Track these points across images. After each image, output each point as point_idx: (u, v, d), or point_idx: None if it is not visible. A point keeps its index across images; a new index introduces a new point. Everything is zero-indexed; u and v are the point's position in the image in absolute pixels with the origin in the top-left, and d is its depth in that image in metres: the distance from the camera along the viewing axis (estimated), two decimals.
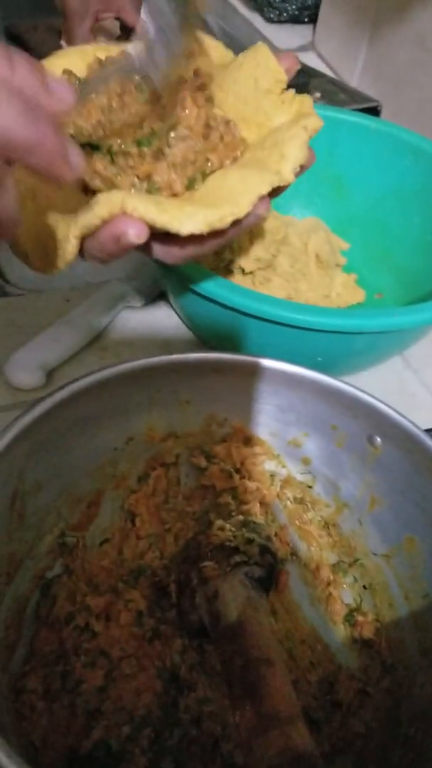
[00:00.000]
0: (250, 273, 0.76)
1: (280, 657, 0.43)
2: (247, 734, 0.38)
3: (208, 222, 0.45)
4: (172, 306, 0.83)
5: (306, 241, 0.82)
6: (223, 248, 0.77)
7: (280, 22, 1.46)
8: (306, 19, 1.45)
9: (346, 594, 0.58)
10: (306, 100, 0.54)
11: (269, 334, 0.64)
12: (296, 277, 0.78)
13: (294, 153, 0.50)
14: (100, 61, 0.52)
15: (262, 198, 0.48)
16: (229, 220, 0.46)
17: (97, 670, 0.49)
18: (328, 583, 0.58)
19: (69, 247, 0.45)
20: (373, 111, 1.13)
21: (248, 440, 0.60)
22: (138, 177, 0.48)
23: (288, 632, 0.56)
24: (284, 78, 0.54)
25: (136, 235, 0.44)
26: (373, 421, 0.53)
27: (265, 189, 0.48)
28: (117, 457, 0.57)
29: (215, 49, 0.58)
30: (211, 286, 0.63)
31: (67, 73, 0.50)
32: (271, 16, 1.45)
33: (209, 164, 0.50)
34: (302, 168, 0.51)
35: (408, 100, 1.12)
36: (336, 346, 0.66)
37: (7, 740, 0.33)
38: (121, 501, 0.58)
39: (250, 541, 0.53)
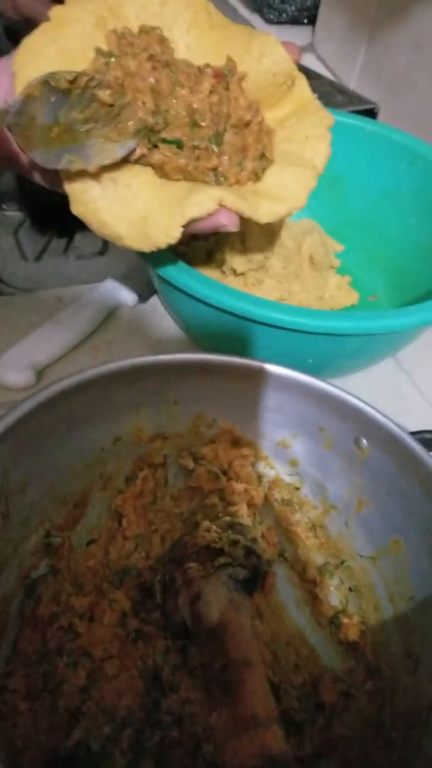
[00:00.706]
0: (242, 274, 0.76)
1: (260, 659, 0.43)
2: (222, 735, 0.38)
3: (279, 215, 0.56)
4: (164, 307, 0.83)
5: (300, 242, 0.82)
6: (216, 249, 0.77)
7: (279, 23, 1.46)
8: (305, 21, 1.46)
9: (332, 596, 0.58)
10: (303, 81, 0.60)
11: (260, 336, 0.64)
12: (289, 279, 0.78)
13: (324, 150, 0.60)
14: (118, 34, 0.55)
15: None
16: (293, 212, 0.57)
17: (80, 671, 0.49)
18: (315, 585, 0.58)
19: (175, 233, 0.52)
20: (371, 113, 1.13)
21: (236, 441, 0.60)
22: (208, 168, 0.56)
23: (273, 634, 0.56)
24: (296, 74, 0.59)
25: (233, 225, 0.53)
26: (360, 424, 0.53)
27: (314, 183, 0.58)
28: (104, 457, 0.57)
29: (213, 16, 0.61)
30: (202, 288, 0.62)
31: (99, 52, 0.54)
32: (271, 17, 1.45)
33: (256, 150, 0.57)
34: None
35: (406, 102, 1.12)
36: (327, 348, 0.66)
37: None
38: (108, 501, 0.58)
39: (235, 543, 0.53)
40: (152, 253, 0.63)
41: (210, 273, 0.77)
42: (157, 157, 0.54)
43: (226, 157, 0.56)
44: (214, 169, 0.56)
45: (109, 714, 0.47)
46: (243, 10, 1.50)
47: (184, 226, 0.52)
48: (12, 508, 0.49)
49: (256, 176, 0.57)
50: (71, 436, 0.53)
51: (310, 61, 1.35)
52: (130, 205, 0.53)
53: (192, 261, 0.78)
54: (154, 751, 0.46)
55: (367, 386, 0.78)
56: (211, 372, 0.55)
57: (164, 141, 0.54)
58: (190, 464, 0.59)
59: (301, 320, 0.60)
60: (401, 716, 0.48)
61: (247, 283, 0.76)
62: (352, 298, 0.87)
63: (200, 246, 0.79)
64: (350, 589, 0.57)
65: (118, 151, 0.51)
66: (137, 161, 0.54)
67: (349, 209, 0.92)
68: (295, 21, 1.45)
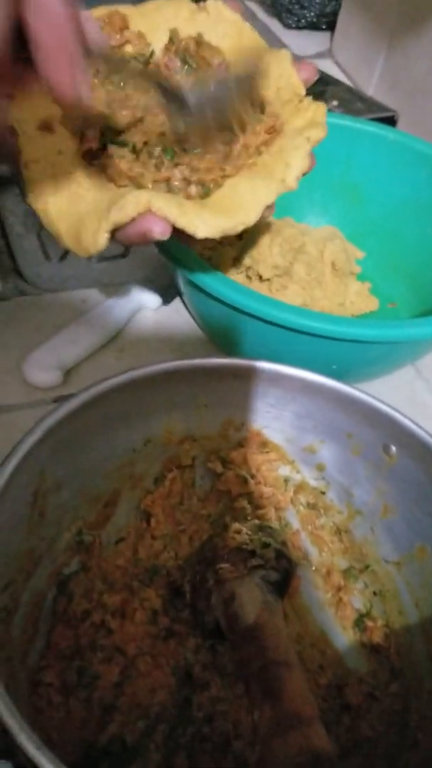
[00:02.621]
0: (267, 280, 0.77)
1: (297, 660, 0.44)
2: (266, 733, 0.39)
3: (222, 229, 0.50)
4: (188, 309, 0.84)
5: (322, 249, 0.83)
6: (242, 254, 0.78)
7: (298, 28, 1.47)
8: (324, 26, 1.46)
9: (356, 599, 0.59)
10: (320, 109, 0.56)
11: (286, 341, 0.65)
12: (312, 285, 0.79)
13: (298, 163, 0.53)
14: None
15: (268, 207, 0.52)
16: (240, 228, 0.51)
17: (113, 667, 0.50)
18: (339, 589, 0.59)
19: (100, 240, 0.49)
20: (390, 120, 1.14)
21: (264, 445, 0.61)
22: (158, 179, 0.52)
23: (298, 636, 0.57)
24: (303, 93, 0.57)
25: (160, 232, 0.49)
26: (390, 431, 0.54)
27: (272, 199, 0.52)
28: (135, 458, 0.58)
29: (247, 34, 0.60)
30: (228, 292, 0.63)
31: (140, 35, 0.55)
32: (290, 22, 1.46)
33: (224, 173, 0.53)
34: (303, 174, 0.55)
35: (425, 111, 1.13)
36: (352, 354, 0.67)
37: (35, 735, 0.34)
38: (137, 501, 0.59)
39: (266, 546, 0.54)
40: (180, 256, 0.65)
41: (235, 278, 0.78)
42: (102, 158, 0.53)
43: (178, 171, 0.53)
44: (167, 180, 0.53)
45: (143, 709, 0.48)
46: (262, 15, 1.50)
47: (114, 233, 0.50)
48: (47, 506, 0.50)
49: (206, 190, 0.53)
50: (105, 438, 0.54)
51: (329, 67, 1.36)
52: (75, 205, 0.51)
53: (218, 266, 0.79)
54: (187, 747, 0.47)
55: (386, 393, 0.78)
56: (242, 377, 0.56)
57: (113, 142, 0.52)
58: (219, 468, 0.60)
59: (330, 327, 0.61)
60: (426, 718, 0.50)
61: (271, 289, 0.77)
62: (372, 304, 0.88)
63: (227, 251, 0.80)
64: (374, 594, 0.58)
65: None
66: (90, 159, 0.53)
67: (369, 216, 0.93)
68: (314, 26, 1.46)
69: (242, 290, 0.64)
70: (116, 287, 0.84)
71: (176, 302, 0.86)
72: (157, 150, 0.53)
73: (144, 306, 0.83)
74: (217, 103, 0.50)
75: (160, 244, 0.66)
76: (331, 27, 1.44)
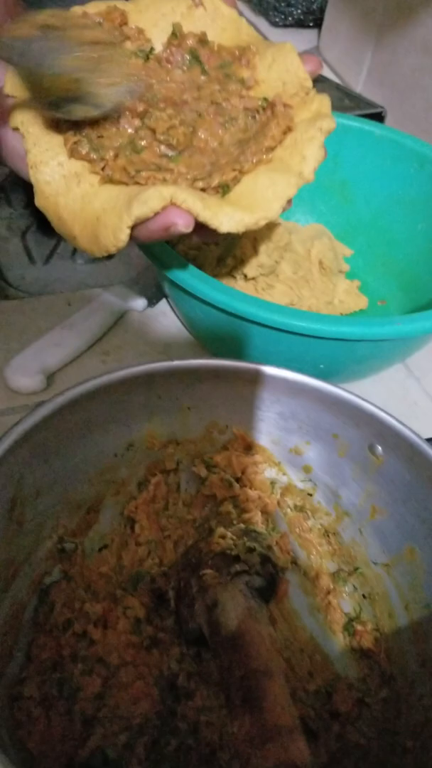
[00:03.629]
0: (253, 279, 0.76)
1: (279, 668, 0.43)
2: (244, 745, 0.38)
3: (245, 224, 0.50)
4: (173, 311, 0.83)
5: (309, 247, 0.82)
6: (227, 254, 0.77)
7: (285, 26, 1.46)
8: (311, 24, 1.46)
9: (345, 603, 0.58)
10: (325, 100, 0.56)
11: (272, 341, 0.64)
12: (299, 284, 0.78)
13: (313, 154, 0.53)
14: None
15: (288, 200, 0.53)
16: (262, 223, 0.51)
17: (95, 678, 0.49)
18: (328, 592, 0.58)
19: (122, 236, 0.49)
20: (378, 117, 1.13)
21: (249, 447, 0.59)
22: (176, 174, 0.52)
23: (287, 641, 0.55)
24: (310, 85, 0.56)
25: (184, 225, 0.49)
26: (375, 430, 0.53)
27: (293, 192, 0.52)
28: (117, 463, 0.57)
29: (244, 30, 0.60)
30: (213, 292, 0.62)
31: (140, 31, 0.55)
32: (277, 20, 1.45)
33: (241, 169, 0.53)
34: (318, 165, 0.55)
35: (413, 107, 1.12)
36: (339, 353, 0.66)
37: (5, 750, 0.33)
38: (120, 507, 0.58)
39: (251, 550, 0.53)
40: (162, 256, 0.64)
41: (220, 278, 0.77)
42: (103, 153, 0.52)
43: (182, 174, 0.52)
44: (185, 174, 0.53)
45: (125, 721, 0.47)
46: (248, 13, 1.50)
47: (134, 228, 0.49)
48: (26, 514, 0.49)
49: (225, 189, 0.53)
50: (85, 442, 0.53)
51: None
52: (88, 204, 0.51)
53: (203, 266, 0.78)
54: (171, 759, 0.46)
55: (376, 392, 0.78)
56: (225, 378, 0.55)
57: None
58: (203, 472, 0.59)
59: (315, 326, 0.60)
60: (417, 724, 0.48)
61: (257, 288, 0.76)
62: (361, 302, 0.87)
63: (211, 251, 0.79)
64: (364, 597, 0.57)
65: (122, 95, 0.51)
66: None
67: (358, 214, 0.92)
68: (301, 24, 1.46)
69: (227, 291, 0.62)
70: (102, 290, 0.83)
71: (162, 304, 0.85)
72: (162, 148, 0.53)
73: (130, 308, 0.82)
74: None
75: (144, 246, 0.65)
76: (318, 24, 1.43)
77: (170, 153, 0.53)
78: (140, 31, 0.57)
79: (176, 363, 0.53)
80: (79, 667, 0.49)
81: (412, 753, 0.47)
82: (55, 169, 0.52)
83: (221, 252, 0.79)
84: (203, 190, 0.52)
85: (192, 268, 0.64)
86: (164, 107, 0.54)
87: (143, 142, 0.53)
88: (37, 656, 0.49)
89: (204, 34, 0.57)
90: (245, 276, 0.76)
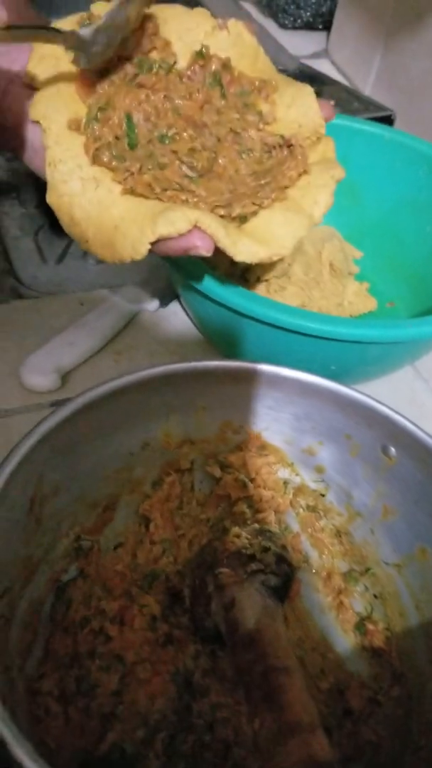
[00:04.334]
0: (265, 281, 0.77)
1: (298, 666, 0.44)
2: (267, 742, 0.38)
3: (259, 257, 0.52)
4: (185, 311, 0.84)
5: (320, 249, 0.82)
6: None
7: (294, 28, 1.46)
8: (320, 26, 1.46)
9: (356, 603, 0.58)
10: (330, 144, 0.59)
11: (284, 342, 0.65)
12: (310, 285, 0.79)
13: (325, 200, 0.57)
14: None
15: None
16: (275, 259, 0.54)
17: (112, 674, 0.49)
18: (339, 592, 0.59)
19: (142, 249, 0.50)
20: (387, 120, 1.13)
21: (262, 448, 0.60)
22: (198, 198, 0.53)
23: (299, 640, 0.56)
24: (324, 132, 0.59)
25: (206, 249, 0.50)
26: (388, 432, 0.54)
27: (304, 233, 0.55)
28: (133, 462, 0.57)
29: (261, 59, 0.61)
30: (226, 293, 0.63)
31: (167, 44, 0.57)
32: (286, 22, 1.45)
33: (260, 204, 0.55)
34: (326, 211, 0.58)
35: (422, 110, 1.12)
36: (351, 355, 0.67)
37: (30, 744, 0.33)
38: (135, 506, 0.59)
39: (266, 550, 0.53)
40: (175, 257, 0.64)
41: (233, 280, 0.77)
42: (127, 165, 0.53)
43: (202, 197, 0.53)
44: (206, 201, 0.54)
45: (142, 717, 0.47)
46: (257, 16, 1.50)
47: (154, 244, 0.50)
48: (45, 512, 0.50)
49: (243, 220, 0.54)
50: (103, 442, 0.53)
51: (325, 67, 1.36)
52: (105, 210, 0.52)
53: (215, 267, 0.78)
54: (187, 755, 0.47)
55: (385, 393, 0.78)
56: (240, 379, 0.56)
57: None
58: (217, 472, 0.60)
59: (329, 328, 0.61)
60: (428, 722, 0.49)
61: (269, 290, 0.77)
62: (370, 304, 0.87)
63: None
64: (375, 596, 0.58)
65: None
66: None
67: (367, 216, 0.93)
68: (309, 26, 1.46)
69: (240, 292, 0.63)
70: (113, 289, 0.84)
71: (174, 304, 0.85)
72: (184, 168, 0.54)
73: (141, 308, 0.83)
74: (107, 33, 0.51)
75: None
76: (327, 27, 1.43)
77: (192, 174, 0.54)
78: (167, 44, 0.57)
79: (194, 364, 0.54)
80: (96, 664, 0.50)
81: (424, 750, 0.48)
82: (73, 170, 0.52)
83: None
84: (222, 217, 0.53)
85: (206, 269, 0.65)
86: (185, 126, 0.55)
87: (165, 159, 0.53)
88: (55, 652, 0.50)
89: (228, 60, 0.58)
90: (258, 278, 0.77)
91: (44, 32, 0.49)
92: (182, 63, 0.59)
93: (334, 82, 1.21)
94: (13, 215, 0.96)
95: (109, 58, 0.53)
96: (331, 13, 1.40)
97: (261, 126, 0.58)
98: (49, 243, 0.93)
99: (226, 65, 0.58)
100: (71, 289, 0.86)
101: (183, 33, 0.58)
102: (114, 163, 0.52)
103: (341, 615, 0.58)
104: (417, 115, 1.13)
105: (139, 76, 0.55)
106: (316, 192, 0.56)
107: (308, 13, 1.44)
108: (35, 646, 0.50)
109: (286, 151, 0.57)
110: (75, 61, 0.51)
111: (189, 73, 0.58)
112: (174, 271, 0.66)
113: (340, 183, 0.91)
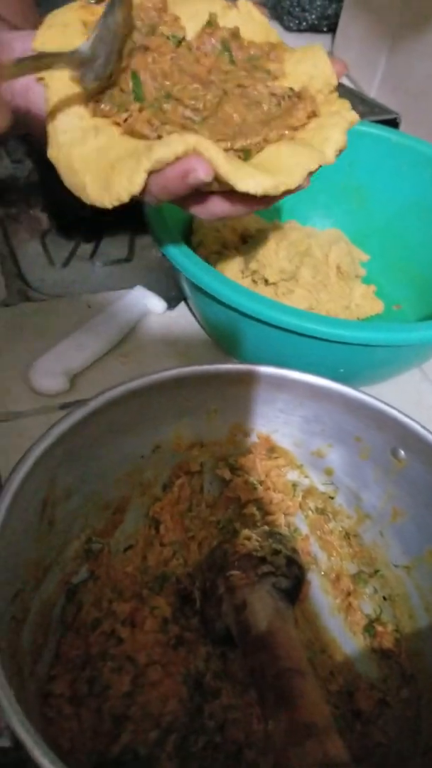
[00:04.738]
0: (274, 284, 0.77)
1: (310, 668, 0.44)
2: (282, 743, 0.39)
3: (264, 186, 0.49)
4: (193, 313, 0.84)
5: (327, 252, 0.82)
6: (248, 259, 0.78)
7: (299, 30, 1.46)
8: (325, 29, 1.46)
9: (365, 604, 0.59)
10: (345, 103, 0.57)
11: (292, 345, 0.65)
12: (317, 288, 0.79)
13: (336, 137, 0.53)
14: None
15: (309, 173, 0.52)
16: (282, 189, 0.50)
17: (124, 676, 0.50)
18: (348, 594, 0.59)
19: (137, 179, 0.48)
20: (393, 123, 1.14)
21: (272, 450, 0.60)
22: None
23: (308, 641, 0.56)
24: (335, 82, 0.57)
25: (204, 173, 0.47)
26: (399, 434, 0.54)
27: (314, 166, 0.51)
28: (143, 465, 0.57)
29: (273, 37, 0.60)
30: (235, 296, 0.63)
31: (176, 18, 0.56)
32: (291, 24, 1.46)
33: (265, 138, 0.53)
34: (339, 152, 0.55)
35: (427, 112, 1.12)
36: (359, 357, 0.67)
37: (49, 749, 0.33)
38: (145, 508, 0.59)
39: (276, 552, 0.53)
40: (184, 259, 0.64)
41: (241, 282, 0.78)
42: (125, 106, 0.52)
43: (205, 134, 0.51)
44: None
45: (154, 719, 0.48)
46: None
47: (150, 178, 0.48)
48: (57, 514, 0.50)
49: (247, 154, 0.52)
50: (114, 444, 0.54)
51: None
52: (104, 154, 0.50)
53: (224, 270, 0.79)
54: (199, 756, 0.47)
55: (392, 396, 0.78)
56: (251, 382, 0.56)
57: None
58: (227, 475, 0.60)
59: (338, 331, 0.61)
60: None
61: (278, 293, 0.77)
62: (377, 307, 0.88)
63: (232, 255, 0.80)
64: (384, 598, 0.58)
65: None
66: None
67: (373, 219, 0.93)
68: (315, 29, 1.46)
69: (249, 294, 0.63)
70: (121, 292, 0.84)
71: (181, 306, 0.86)
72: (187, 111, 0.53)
73: (149, 310, 0.83)
74: (105, 42, 0.50)
75: (166, 248, 0.66)
76: (332, 29, 1.44)
77: (195, 117, 0.53)
78: (176, 19, 0.57)
79: (206, 367, 0.54)
80: (108, 666, 0.50)
81: None
82: (73, 120, 0.51)
83: (242, 257, 0.79)
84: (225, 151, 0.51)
85: (214, 271, 0.65)
86: (191, 81, 0.54)
87: (168, 106, 0.53)
88: (66, 654, 0.51)
89: (237, 29, 0.57)
90: (266, 281, 0.77)
91: (48, 59, 0.49)
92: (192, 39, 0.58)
93: (339, 85, 1.21)
94: (20, 218, 0.96)
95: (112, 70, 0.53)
96: (336, 16, 1.40)
97: (269, 83, 0.57)
98: (56, 246, 0.93)
99: (234, 34, 0.57)
100: (78, 291, 0.86)
101: (192, 15, 0.58)
102: (114, 111, 0.52)
103: (350, 617, 0.58)
104: (422, 118, 1.13)
105: (145, 39, 0.55)
106: (326, 130, 0.53)
107: (313, 16, 1.44)
108: (46, 648, 0.50)
109: (295, 99, 0.55)
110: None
111: (198, 43, 0.57)
112: (182, 274, 0.67)
113: (347, 185, 0.93)
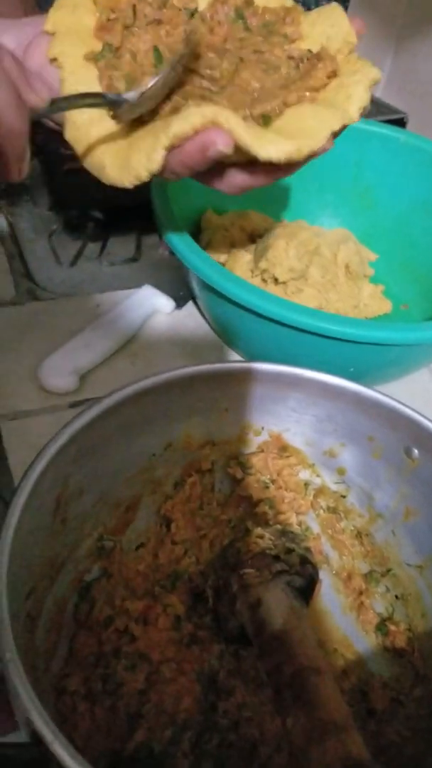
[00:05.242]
0: (283, 283, 0.77)
1: (327, 666, 0.44)
2: (302, 741, 0.39)
3: (286, 151, 0.47)
4: (201, 312, 0.84)
5: (336, 251, 0.82)
6: (258, 258, 0.78)
7: None
8: None
9: (377, 603, 0.58)
10: (367, 62, 0.54)
11: (303, 344, 0.65)
12: (326, 288, 0.79)
13: (360, 95, 0.51)
14: None
15: (333, 134, 0.50)
16: (305, 152, 0.48)
17: (138, 673, 0.50)
18: (360, 593, 0.59)
19: (156, 157, 0.47)
20: (399, 122, 1.14)
21: (284, 449, 0.60)
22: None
23: (320, 640, 0.56)
24: (354, 40, 0.54)
25: (224, 145, 0.46)
26: (412, 433, 0.54)
27: (337, 125, 0.50)
28: (155, 463, 0.57)
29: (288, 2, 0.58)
30: (245, 294, 0.63)
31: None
32: None
33: (284, 101, 0.51)
34: (363, 110, 0.53)
35: None
36: (370, 356, 0.67)
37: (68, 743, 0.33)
38: (157, 506, 0.59)
39: (289, 551, 0.53)
40: (195, 258, 0.64)
41: (251, 281, 0.78)
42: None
43: (224, 104, 0.50)
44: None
45: (169, 717, 0.48)
46: None
47: (169, 155, 0.47)
48: (70, 512, 0.50)
49: (267, 120, 0.51)
50: (127, 443, 0.54)
51: None
52: (122, 135, 0.50)
53: (233, 269, 0.79)
54: (214, 754, 0.47)
55: (401, 396, 0.78)
56: (263, 381, 0.56)
57: None
58: (239, 473, 0.60)
59: (349, 330, 0.61)
60: None
61: (287, 292, 0.77)
62: (385, 306, 0.88)
63: (242, 255, 0.80)
64: (396, 597, 0.58)
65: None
66: None
67: (382, 218, 0.93)
68: None
69: (260, 293, 0.63)
70: (130, 291, 0.84)
71: (189, 306, 0.86)
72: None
73: (157, 310, 0.83)
74: (153, 97, 0.49)
75: (175, 246, 0.66)
76: None
77: (213, 87, 0.52)
78: None
79: (218, 366, 0.54)
80: (122, 663, 0.50)
81: None
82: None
83: (252, 256, 0.80)
84: (244, 119, 0.50)
85: (225, 270, 0.65)
86: (206, 51, 0.53)
87: (185, 78, 0.52)
88: (80, 652, 0.50)
89: None
90: (276, 280, 0.77)
91: (89, 99, 0.48)
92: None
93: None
94: (27, 218, 0.96)
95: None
96: None
97: (286, 46, 0.55)
98: (63, 245, 0.93)
99: (247, 1, 0.56)
100: (87, 290, 0.86)
101: None
102: (127, 87, 0.51)
103: (362, 616, 0.58)
104: (428, 118, 1.13)
105: (157, 12, 0.54)
106: (348, 89, 0.51)
107: None
108: (60, 646, 0.50)
109: (315, 61, 0.53)
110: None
111: (211, 13, 0.56)
112: (192, 272, 0.67)
113: (355, 185, 0.93)
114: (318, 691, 0.41)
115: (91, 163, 0.51)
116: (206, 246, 0.82)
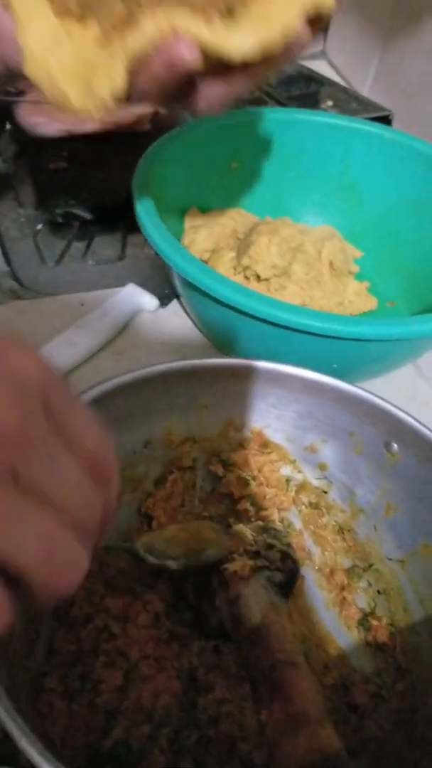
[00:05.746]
0: (266, 280, 0.77)
1: (304, 660, 0.44)
2: (275, 734, 0.39)
3: (262, 41, 0.43)
4: (185, 311, 0.84)
5: (320, 248, 0.82)
6: (240, 255, 0.78)
7: None
8: None
9: (360, 598, 0.58)
10: None
11: (286, 341, 0.65)
12: (311, 285, 0.79)
13: None
14: None
15: (306, 18, 0.44)
16: (278, 36, 0.43)
17: (117, 671, 0.49)
18: (342, 588, 0.59)
19: (117, 78, 0.43)
20: (385, 120, 1.14)
21: (265, 445, 0.60)
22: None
23: (303, 636, 0.56)
24: None
25: (189, 52, 0.42)
26: (392, 428, 0.54)
27: (311, 5, 0.44)
28: (135, 460, 0.57)
29: None
30: (227, 292, 0.63)
31: None
32: None
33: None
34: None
35: (421, 110, 1.13)
36: (353, 353, 0.67)
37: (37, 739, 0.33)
38: (137, 504, 0.59)
39: (270, 547, 0.53)
40: (177, 256, 0.64)
41: (233, 278, 0.78)
42: None
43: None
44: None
45: (147, 713, 0.47)
46: None
47: (136, 76, 0.43)
48: None
49: (230, 14, 0.44)
50: None
51: (323, 68, 1.36)
52: (80, 58, 0.45)
53: (216, 266, 0.79)
54: (193, 750, 0.47)
55: (387, 392, 0.78)
56: (243, 377, 0.56)
57: None
58: (220, 470, 0.60)
59: (330, 325, 0.61)
60: None
61: (270, 289, 0.77)
62: (371, 303, 0.88)
63: (224, 252, 0.79)
64: (378, 592, 0.58)
65: None
66: None
67: (367, 215, 0.93)
68: None
69: (241, 290, 0.63)
70: (114, 290, 0.84)
71: (174, 304, 0.85)
72: None
73: (141, 308, 0.83)
74: None
75: (157, 244, 0.66)
76: (324, 28, 1.43)
77: None
78: None
79: (196, 362, 0.54)
80: (100, 661, 0.50)
81: (429, 744, 0.48)
82: (43, 26, 0.47)
83: (234, 253, 0.79)
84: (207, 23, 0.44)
85: (206, 267, 0.65)
86: None
87: None
88: (59, 650, 0.50)
89: None
90: (258, 277, 0.77)
91: None
92: None
93: (332, 83, 1.22)
94: (11, 216, 0.96)
95: None
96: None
97: None
98: (48, 244, 0.93)
99: None
100: (71, 289, 0.86)
101: None
102: (81, 11, 0.46)
103: (344, 611, 0.58)
104: (415, 116, 1.14)
105: None
106: None
107: None
108: (39, 643, 0.50)
109: None
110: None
111: None
112: (175, 271, 0.66)
113: (340, 182, 0.93)
114: (293, 684, 0.41)
115: (55, 95, 0.47)
116: (190, 244, 0.82)
